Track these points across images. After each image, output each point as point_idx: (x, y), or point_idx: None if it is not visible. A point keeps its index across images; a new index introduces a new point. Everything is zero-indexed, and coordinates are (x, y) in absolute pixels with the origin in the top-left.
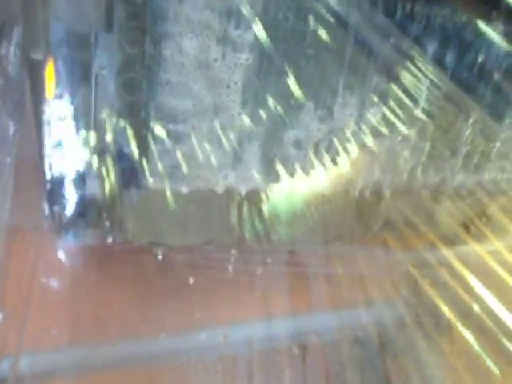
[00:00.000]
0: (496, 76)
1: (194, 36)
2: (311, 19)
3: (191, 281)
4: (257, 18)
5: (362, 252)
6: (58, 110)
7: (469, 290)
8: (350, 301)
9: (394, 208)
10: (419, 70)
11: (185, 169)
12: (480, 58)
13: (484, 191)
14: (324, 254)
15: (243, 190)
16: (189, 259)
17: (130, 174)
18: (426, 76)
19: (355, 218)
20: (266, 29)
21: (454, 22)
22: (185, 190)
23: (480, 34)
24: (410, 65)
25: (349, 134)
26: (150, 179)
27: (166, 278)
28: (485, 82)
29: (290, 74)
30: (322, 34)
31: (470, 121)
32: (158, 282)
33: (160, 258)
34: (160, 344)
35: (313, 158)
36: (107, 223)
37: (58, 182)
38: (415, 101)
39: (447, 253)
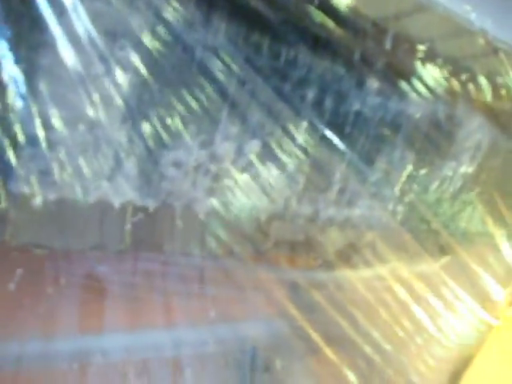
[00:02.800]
0: (369, 125)
1: (76, 50)
2: (198, 50)
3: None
4: (144, 42)
5: (245, 269)
6: None
7: (341, 312)
8: (222, 317)
9: (283, 231)
10: (298, 111)
11: (56, 175)
12: (355, 108)
13: (353, 225)
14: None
15: (117, 203)
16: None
17: (2, 176)
18: (304, 117)
19: (244, 237)
20: (152, 52)
21: (334, 72)
22: (52, 196)
23: (357, 86)
24: (289, 105)
25: (228, 161)
26: (20, 182)
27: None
28: (359, 129)
29: (173, 97)
30: (207, 66)
31: (343, 162)
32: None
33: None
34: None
35: (192, 180)
36: None
37: None
38: (293, 138)
39: (324, 276)
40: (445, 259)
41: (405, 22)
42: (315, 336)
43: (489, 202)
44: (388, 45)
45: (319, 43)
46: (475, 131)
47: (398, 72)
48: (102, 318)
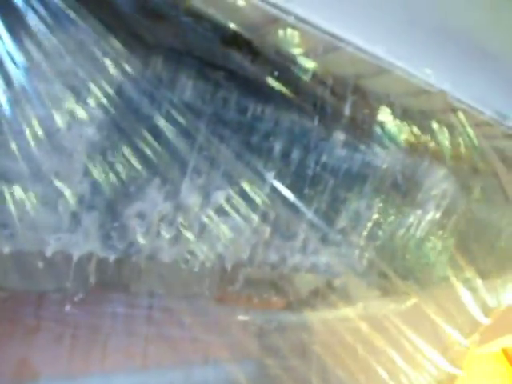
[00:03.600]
0: (336, 175)
1: (38, 104)
2: (164, 104)
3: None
4: (108, 97)
5: (215, 311)
6: None
7: (307, 355)
8: (188, 360)
9: (249, 275)
10: (265, 162)
11: (12, 228)
12: (322, 159)
13: (320, 271)
14: (177, 310)
15: (76, 255)
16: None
17: None
18: (270, 169)
19: (209, 281)
20: (116, 107)
21: (300, 126)
22: (7, 249)
23: (323, 139)
24: (256, 157)
25: (194, 211)
26: None
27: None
28: (325, 179)
29: (137, 149)
30: (174, 119)
31: (310, 211)
32: None
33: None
34: None
35: (156, 230)
36: None
37: None
38: (259, 189)
39: (291, 318)
40: (405, 306)
41: (366, 82)
42: (281, 380)
43: (451, 251)
44: (346, 110)
45: (283, 100)
46: (441, 180)
47: (362, 126)
48: (64, 363)
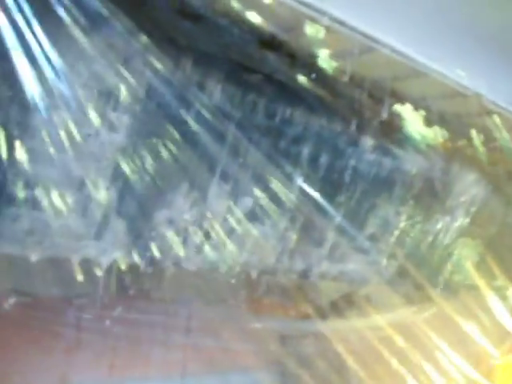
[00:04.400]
0: (364, 181)
1: (67, 109)
2: (193, 107)
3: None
4: (137, 102)
5: (239, 319)
6: None
7: (332, 363)
8: (210, 368)
9: (275, 282)
10: (293, 168)
11: (39, 236)
12: (350, 164)
13: (346, 279)
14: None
15: (105, 263)
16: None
17: None
18: (298, 174)
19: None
20: (144, 111)
21: (329, 130)
22: (34, 257)
23: (352, 144)
24: (284, 162)
25: (221, 217)
26: (2, 243)
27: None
28: (354, 184)
29: (166, 156)
30: (202, 124)
31: (337, 217)
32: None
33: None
34: None
35: (182, 238)
36: None
37: None
38: (286, 194)
39: (316, 326)
40: (432, 312)
41: (401, 85)
42: None
43: (481, 258)
44: (384, 113)
45: (315, 103)
46: (471, 185)
47: (392, 130)
48: (85, 368)
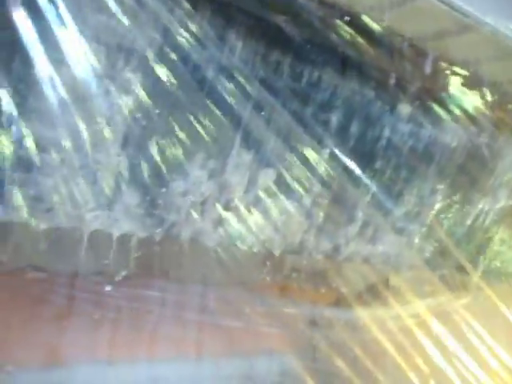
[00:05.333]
0: (399, 154)
1: (74, 65)
2: (214, 69)
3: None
4: (150, 61)
5: (264, 302)
6: None
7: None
8: (243, 350)
9: (298, 263)
10: (319, 137)
11: (48, 203)
12: (383, 135)
13: (376, 262)
14: (226, 300)
15: (116, 233)
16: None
17: None
18: (325, 145)
19: (254, 268)
20: (159, 72)
21: (361, 96)
22: (44, 225)
23: (385, 112)
24: (310, 131)
25: (240, 191)
26: (9, 209)
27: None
28: (387, 158)
29: (181, 121)
30: (219, 88)
31: (368, 194)
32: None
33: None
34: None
35: (200, 210)
36: None
37: None
38: (313, 167)
39: (346, 313)
40: (471, 299)
41: (446, 42)
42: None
43: None
44: (427, 67)
45: (346, 63)
46: None
47: (433, 96)
48: (100, 346)
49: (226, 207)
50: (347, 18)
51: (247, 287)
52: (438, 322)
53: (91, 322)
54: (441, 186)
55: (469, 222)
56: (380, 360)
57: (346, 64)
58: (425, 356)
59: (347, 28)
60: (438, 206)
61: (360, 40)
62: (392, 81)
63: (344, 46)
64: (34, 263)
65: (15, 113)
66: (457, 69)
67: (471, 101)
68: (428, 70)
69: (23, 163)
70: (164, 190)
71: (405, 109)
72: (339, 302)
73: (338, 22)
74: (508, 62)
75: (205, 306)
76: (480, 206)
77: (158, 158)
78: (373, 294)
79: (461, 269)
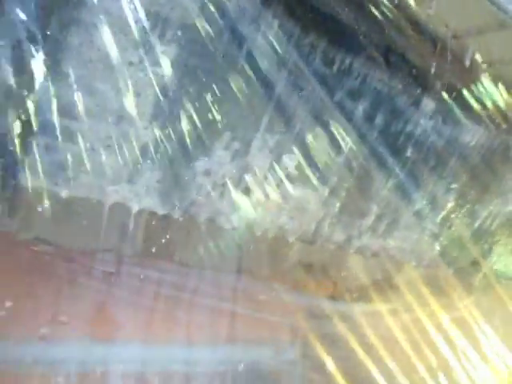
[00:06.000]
0: (418, 149)
1: (111, 32)
2: (245, 48)
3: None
4: (183, 36)
5: (268, 291)
6: None
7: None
8: (242, 337)
9: (307, 254)
10: (345, 125)
11: (71, 171)
12: (407, 127)
13: (387, 256)
14: (230, 287)
15: (135, 208)
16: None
17: (7, 166)
18: (350, 133)
19: (265, 255)
20: (192, 47)
21: (389, 87)
22: (65, 194)
23: (411, 105)
24: (336, 118)
25: (261, 174)
26: (27, 174)
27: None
28: (406, 152)
29: (211, 97)
30: (254, 62)
31: (385, 187)
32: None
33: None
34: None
35: (219, 191)
36: None
37: None
38: (336, 155)
39: (349, 307)
40: (478, 297)
41: (486, 38)
42: (330, 369)
43: None
44: (467, 61)
45: (377, 53)
46: None
47: (459, 94)
48: (104, 322)
49: (246, 191)
50: (396, 1)
51: (250, 273)
52: (441, 319)
53: (91, 297)
54: (455, 185)
55: (478, 223)
56: (374, 353)
57: (375, 53)
58: (421, 354)
59: (394, 9)
60: (450, 205)
61: (404, 25)
62: (433, 72)
63: (389, 28)
64: (42, 237)
65: (45, 77)
66: (492, 64)
67: (495, 100)
68: (467, 63)
69: (48, 129)
70: (186, 167)
71: (429, 104)
72: (342, 294)
73: (387, 3)
74: None
75: (204, 290)
76: (490, 207)
77: (184, 135)
78: (378, 288)
79: (465, 269)
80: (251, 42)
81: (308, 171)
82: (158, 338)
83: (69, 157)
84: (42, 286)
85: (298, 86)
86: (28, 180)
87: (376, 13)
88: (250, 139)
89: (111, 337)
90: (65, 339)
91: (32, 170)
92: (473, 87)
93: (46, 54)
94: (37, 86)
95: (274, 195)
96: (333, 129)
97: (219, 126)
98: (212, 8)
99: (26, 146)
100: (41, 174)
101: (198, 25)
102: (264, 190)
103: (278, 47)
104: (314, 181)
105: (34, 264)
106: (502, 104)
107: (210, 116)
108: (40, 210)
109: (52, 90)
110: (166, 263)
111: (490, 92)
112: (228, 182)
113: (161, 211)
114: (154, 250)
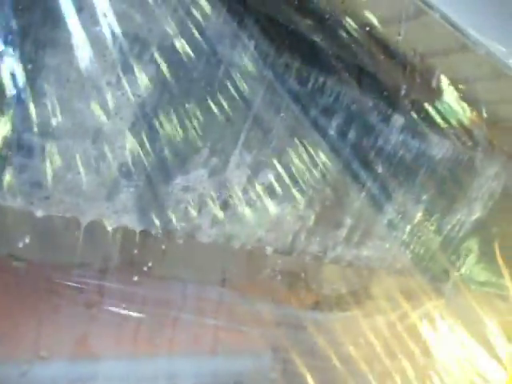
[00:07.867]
0: (389, 162)
1: (89, 52)
2: (222, 68)
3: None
4: (161, 56)
5: (247, 303)
6: None
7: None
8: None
9: (283, 264)
10: (318, 141)
11: (47, 190)
12: (378, 142)
13: (359, 265)
14: (210, 300)
15: (111, 226)
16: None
17: None
18: (323, 148)
19: (244, 267)
20: (170, 67)
21: (361, 104)
22: (40, 213)
23: (382, 121)
24: (310, 134)
25: (239, 189)
26: (2, 193)
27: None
28: (377, 165)
29: (188, 115)
30: (229, 84)
31: (358, 200)
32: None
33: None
34: None
35: (198, 207)
36: None
37: None
38: (310, 170)
39: (327, 316)
40: (449, 302)
41: (450, 59)
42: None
43: (490, 251)
44: (434, 81)
45: (350, 74)
46: (491, 179)
47: (426, 111)
48: (83, 340)
49: (224, 205)
50: (367, 28)
51: (230, 286)
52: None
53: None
54: (424, 196)
55: (445, 232)
56: (352, 363)
57: (347, 72)
58: (398, 363)
59: (365, 36)
60: (419, 215)
61: (375, 50)
62: (402, 91)
63: (360, 52)
64: (14, 253)
65: (21, 96)
66: (456, 84)
67: (467, 115)
68: (434, 83)
69: (24, 148)
70: (165, 184)
71: (398, 120)
72: (320, 304)
73: (358, 29)
74: (500, 83)
75: (181, 305)
76: (457, 217)
77: (162, 152)
78: (352, 297)
79: (436, 276)
80: (228, 62)
81: (284, 185)
82: (140, 353)
83: (45, 176)
84: (18, 303)
85: (273, 104)
86: (3, 199)
87: (348, 38)
88: (228, 155)
89: (91, 355)
90: (44, 359)
91: (7, 189)
92: (439, 105)
93: (22, 73)
94: (13, 104)
95: (252, 209)
96: (307, 144)
97: (197, 143)
98: (190, 29)
99: (0, 165)
100: (16, 194)
101: (176, 45)
102: (242, 205)
103: (254, 67)
104: (291, 194)
105: (8, 280)
106: (466, 121)
107: (188, 134)
108: (14, 228)
109: (28, 108)
110: (145, 279)
111: (455, 110)
112: (206, 197)
113: (138, 228)
114: (131, 266)
